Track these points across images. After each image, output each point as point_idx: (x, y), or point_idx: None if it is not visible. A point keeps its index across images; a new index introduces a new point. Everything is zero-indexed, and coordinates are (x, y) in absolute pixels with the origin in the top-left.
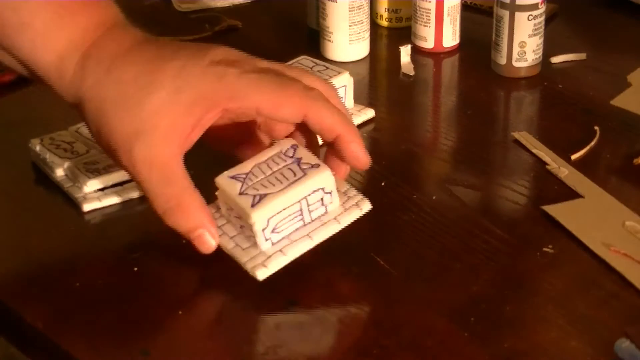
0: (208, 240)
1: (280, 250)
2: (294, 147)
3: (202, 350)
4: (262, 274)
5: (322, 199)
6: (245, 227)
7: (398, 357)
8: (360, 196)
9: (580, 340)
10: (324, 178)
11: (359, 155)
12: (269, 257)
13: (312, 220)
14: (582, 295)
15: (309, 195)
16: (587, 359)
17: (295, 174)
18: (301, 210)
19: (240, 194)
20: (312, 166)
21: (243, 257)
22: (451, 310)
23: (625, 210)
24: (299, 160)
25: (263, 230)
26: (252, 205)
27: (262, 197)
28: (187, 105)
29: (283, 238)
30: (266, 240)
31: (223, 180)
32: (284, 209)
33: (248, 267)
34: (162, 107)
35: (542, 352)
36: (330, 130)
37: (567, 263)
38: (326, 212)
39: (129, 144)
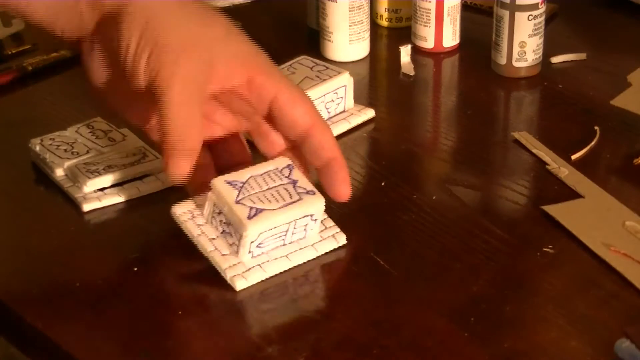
0: (187, 167)
1: (260, 266)
2: (290, 168)
3: (202, 350)
4: (241, 285)
5: (306, 225)
6: (228, 234)
7: (398, 357)
8: (337, 229)
9: (580, 340)
10: (318, 206)
11: (347, 182)
12: (249, 269)
13: (291, 242)
14: (582, 295)
15: (299, 219)
16: (587, 359)
17: (291, 196)
18: (287, 231)
19: (237, 202)
20: (308, 192)
21: (223, 263)
22: (451, 310)
23: (625, 210)
24: (294, 183)
25: (251, 242)
26: (249, 217)
27: (259, 211)
28: (229, 57)
29: (262, 253)
30: (249, 252)
31: (220, 183)
32: (275, 227)
33: (227, 274)
34: (219, 43)
35: (542, 352)
36: (330, 150)
37: (567, 263)
38: (305, 237)
39: (180, 52)
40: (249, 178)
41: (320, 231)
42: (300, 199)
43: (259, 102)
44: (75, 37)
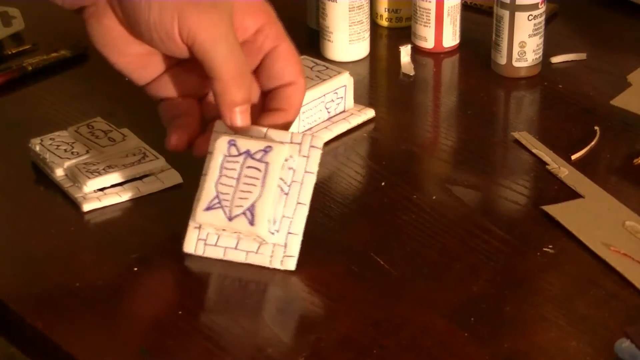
0: (248, 118)
1: (289, 232)
2: (232, 143)
3: (202, 350)
4: (292, 264)
5: (289, 167)
6: (241, 233)
7: (398, 357)
8: (308, 136)
9: (580, 340)
10: (284, 152)
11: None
12: (285, 245)
13: (289, 188)
14: (582, 295)
15: (281, 172)
16: (587, 359)
17: (259, 170)
18: (281, 189)
19: (231, 219)
20: (266, 152)
21: (264, 261)
22: (451, 310)
23: (625, 210)
24: (249, 154)
25: (269, 231)
26: (252, 224)
27: (252, 209)
28: (243, 7)
29: (281, 220)
30: (272, 234)
31: (204, 217)
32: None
33: (275, 265)
34: None
35: (542, 352)
36: (292, 107)
37: (567, 263)
38: (294, 172)
39: (207, 11)
40: (216, 187)
41: (298, 153)
42: (267, 163)
43: (257, 51)
44: (77, 5)
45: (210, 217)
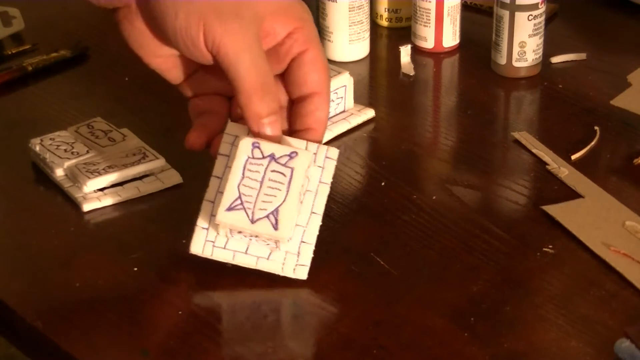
0: (278, 129)
1: (302, 241)
2: (256, 145)
3: (202, 350)
4: (304, 273)
5: (305, 175)
6: (259, 237)
7: (398, 357)
8: (323, 147)
9: (580, 340)
10: (308, 160)
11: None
12: (298, 254)
13: (303, 196)
14: (582, 295)
15: (303, 180)
16: (587, 359)
17: (284, 175)
18: (301, 194)
19: (254, 222)
20: (291, 157)
21: (275, 268)
22: (451, 310)
23: (625, 210)
24: (274, 157)
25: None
26: (276, 228)
27: (276, 213)
28: (272, 12)
29: (295, 227)
30: (287, 240)
31: (225, 217)
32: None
33: (286, 273)
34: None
35: (542, 352)
36: (317, 122)
37: (567, 263)
38: (309, 181)
39: (232, 21)
40: (239, 188)
41: (315, 163)
42: (292, 169)
43: (285, 55)
44: (111, 5)
45: (232, 218)
